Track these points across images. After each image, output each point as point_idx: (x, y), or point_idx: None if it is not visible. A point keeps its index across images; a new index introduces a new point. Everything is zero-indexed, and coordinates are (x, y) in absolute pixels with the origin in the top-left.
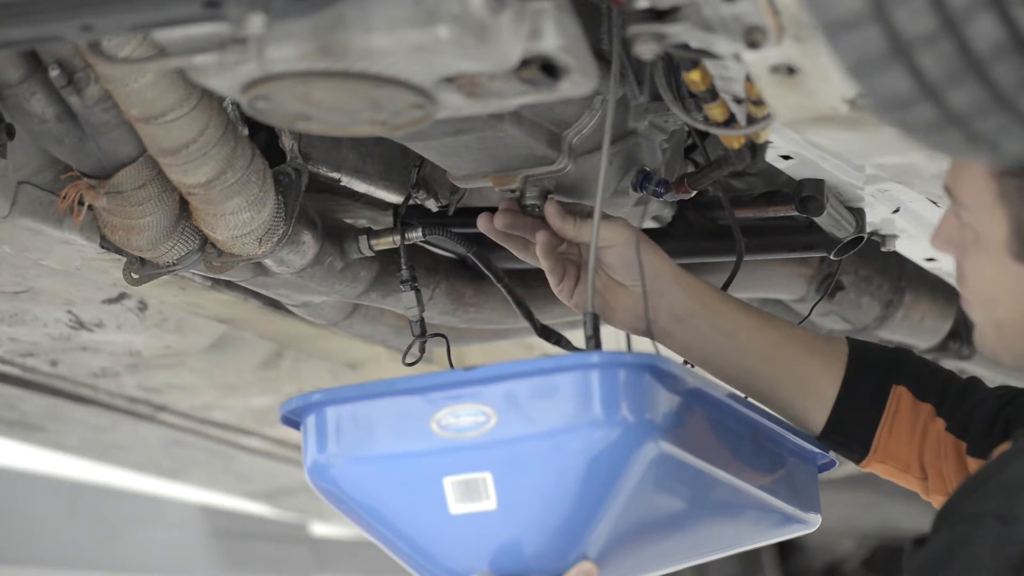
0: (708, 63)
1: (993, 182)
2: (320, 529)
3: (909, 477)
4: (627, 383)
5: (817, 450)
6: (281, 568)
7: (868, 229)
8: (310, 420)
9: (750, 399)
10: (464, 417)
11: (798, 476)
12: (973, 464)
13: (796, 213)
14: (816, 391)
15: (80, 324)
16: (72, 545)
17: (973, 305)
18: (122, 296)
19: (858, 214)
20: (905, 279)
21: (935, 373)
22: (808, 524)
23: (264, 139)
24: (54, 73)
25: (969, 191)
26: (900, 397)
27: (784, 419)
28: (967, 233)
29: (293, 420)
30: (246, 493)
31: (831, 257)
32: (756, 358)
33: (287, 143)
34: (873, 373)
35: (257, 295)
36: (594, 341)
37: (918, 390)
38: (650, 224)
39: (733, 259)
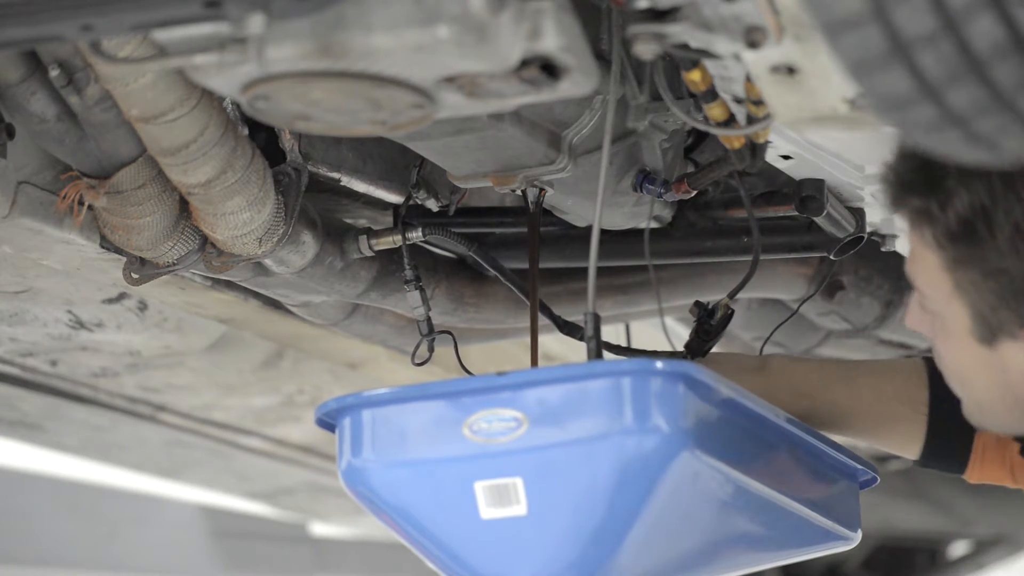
0: (708, 63)
1: (947, 274)
2: (320, 529)
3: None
4: (659, 391)
5: (859, 466)
6: (281, 568)
7: (868, 229)
8: (345, 423)
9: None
10: (496, 422)
11: (837, 491)
12: None
13: (796, 213)
14: (900, 449)
15: (80, 324)
16: (72, 545)
17: (953, 384)
18: (122, 296)
19: (858, 214)
20: (905, 279)
21: None
22: (848, 540)
23: (264, 139)
24: (54, 73)
25: (927, 282)
26: (982, 437)
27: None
28: (935, 321)
29: (328, 423)
30: (246, 493)
31: (831, 257)
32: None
33: (287, 143)
34: (954, 425)
35: (257, 295)
36: (595, 341)
37: None
38: (650, 224)
39: (734, 259)
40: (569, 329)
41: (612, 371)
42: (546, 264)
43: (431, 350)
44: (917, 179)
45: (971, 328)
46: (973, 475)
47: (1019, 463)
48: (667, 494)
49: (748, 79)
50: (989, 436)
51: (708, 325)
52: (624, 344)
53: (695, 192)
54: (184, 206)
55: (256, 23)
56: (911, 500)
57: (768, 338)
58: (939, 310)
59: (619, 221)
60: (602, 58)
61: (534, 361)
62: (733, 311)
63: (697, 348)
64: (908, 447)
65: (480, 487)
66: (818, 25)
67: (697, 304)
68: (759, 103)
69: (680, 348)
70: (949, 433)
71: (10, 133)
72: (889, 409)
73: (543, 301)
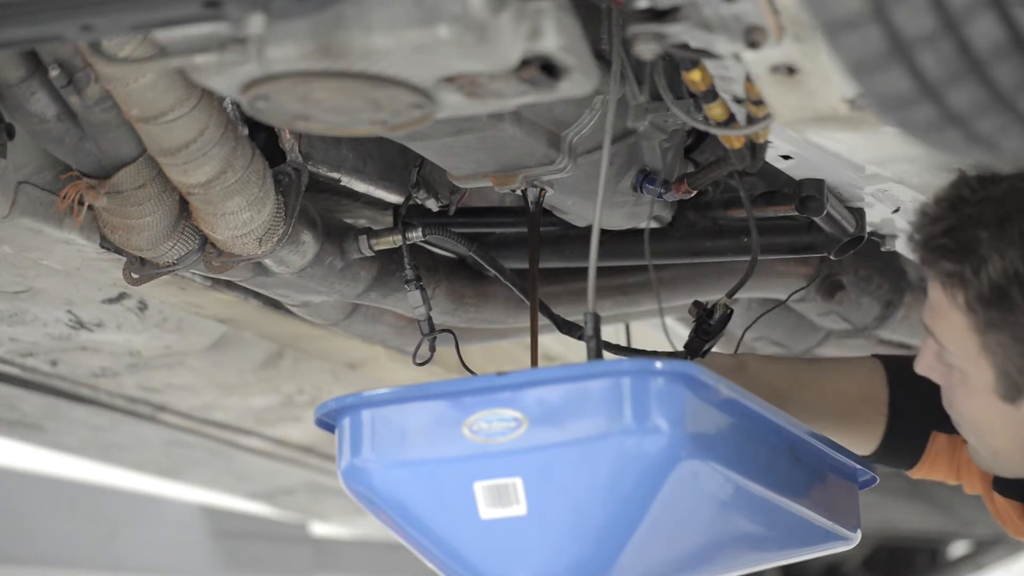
0: (708, 63)
1: (975, 335)
2: (320, 529)
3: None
4: (659, 391)
5: (859, 466)
6: (281, 568)
7: (868, 229)
8: (345, 423)
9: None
10: (496, 422)
11: (837, 492)
12: (998, 499)
13: (796, 213)
14: (855, 446)
15: (80, 324)
16: (72, 545)
17: (965, 430)
18: (122, 296)
19: (858, 214)
20: (905, 279)
21: None
22: (848, 540)
23: (264, 139)
24: (54, 73)
25: (952, 339)
26: (936, 440)
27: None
28: (953, 373)
29: (327, 423)
30: (246, 493)
31: (831, 257)
32: None
33: (287, 143)
34: (912, 426)
35: (257, 295)
36: (594, 341)
37: (949, 427)
38: (650, 224)
39: (733, 259)
40: (569, 328)
41: (612, 371)
42: (546, 264)
43: (432, 350)
44: (949, 243)
45: (995, 386)
46: (919, 472)
47: (967, 465)
48: (667, 494)
49: (748, 79)
50: (944, 438)
51: (707, 325)
52: (624, 344)
53: (695, 192)
54: (184, 206)
55: (256, 23)
56: (911, 500)
57: (750, 326)
58: (962, 366)
59: (619, 221)
60: (602, 58)
61: (534, 361)
62: (732, 311)
63: (696, 348)
64: (864, 445)
65: (480, 487)
66: (818, 25)
67: (696, 304)
68: (759, 103)
69: (680, 348)
70: (906, 434)
71: (10, 133)
72: (852, 409)
73: (543, 301)
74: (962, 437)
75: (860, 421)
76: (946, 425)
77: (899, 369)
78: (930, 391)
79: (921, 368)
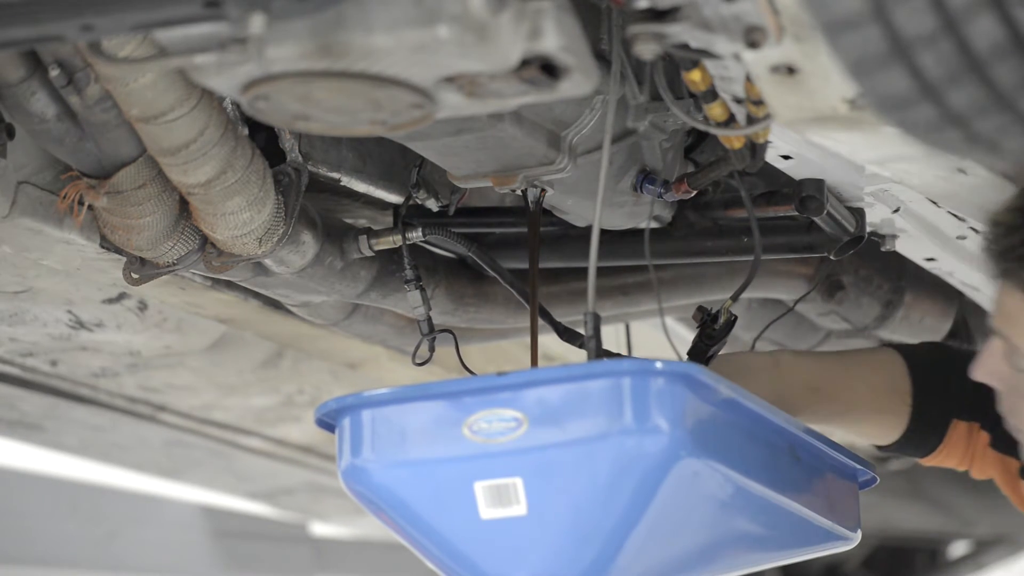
0: (708, 63)
1: None
2: (320, 529)
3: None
4: (659, 391)
5: (859, 466)
6: (281, 568)
7: (868, 229)
8: (345, 423)
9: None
10: (496, 422)
11: (837, 492)
12: None
13: (796, 213)
14: (878, 437)
15: (80, 324)
16: (72, 545)
17: None
18: (122, 296)
19: (858, 214)
20: (905, 279)
21: (979, 390)
22: (848, 540)
23: (264, 139)
24: (54, 73)
25: None
26: (956, 428)
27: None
28: (1019, 377)
29: (327, 423)
30: (246, 493)
31: (831, 257)
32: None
33: (287, 143)
34: (935, 415)
35: (257, 295)
36: (594, 341)
37: (968, 415)
38: (650, 224)
39: (733, 259)
40: (569, 336)
41: (612, 371)
42: (546, 264)
43: (432, 350)
44: None
45: None
46: (933, 460)
47: (981, 453)
48: (667, 494)
49: (748, 79)
50: (963, 426)
51: (711, 330)
52: (624, 346)
53: (695, 192)
54: (184, 206)
55: (256, 23)
56: (911, 500)
57: (761, 334)
58: None
59: (619, 221)
60: (602, 58)
61: (534, 361)
62: (736, 317)
63: (700, 353)
64: (888, 435)
65: (480, 487)
66: (818, 25)
67: (700, 309)
68: (759, 103)
69: (681, 349)
70: (929, 422)
71: (10, 133)
72: (880, 401)
73: (543, 306)
74: (977, 425)
75: (888, 411)
76: (965, 413)
77: (916, 358)
78: (948, 380)
79: (982, 374)
